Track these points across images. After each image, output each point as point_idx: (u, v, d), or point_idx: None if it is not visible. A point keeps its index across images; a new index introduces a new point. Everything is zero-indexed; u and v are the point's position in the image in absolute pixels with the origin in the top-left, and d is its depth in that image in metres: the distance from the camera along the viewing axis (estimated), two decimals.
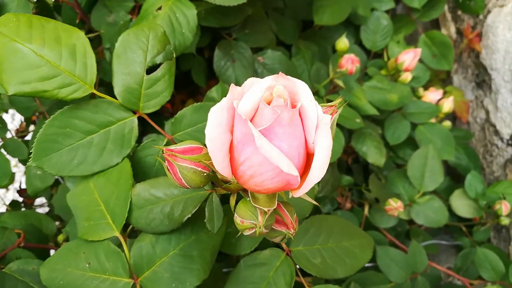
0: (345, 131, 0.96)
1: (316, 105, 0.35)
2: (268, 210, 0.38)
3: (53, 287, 0.50)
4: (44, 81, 0.49)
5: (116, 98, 0.54)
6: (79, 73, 0.50)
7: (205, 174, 0.39)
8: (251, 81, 0.36)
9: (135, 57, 0.53)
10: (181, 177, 0.38)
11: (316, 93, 0.96)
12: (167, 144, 0.56)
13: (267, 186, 0.36)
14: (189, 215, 0.49)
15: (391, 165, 1.05)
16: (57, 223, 1.11)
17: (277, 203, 0.41)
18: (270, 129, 0.34)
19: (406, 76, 1.02)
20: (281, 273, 0.53)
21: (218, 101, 0.79)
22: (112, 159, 0.54)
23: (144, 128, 0.77)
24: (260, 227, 0.38)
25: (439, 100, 1.11)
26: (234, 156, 0.36)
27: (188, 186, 0.39)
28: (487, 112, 1.12)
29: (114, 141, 0.54)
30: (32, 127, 1.07)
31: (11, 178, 1.06)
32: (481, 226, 1.06)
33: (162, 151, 0.55)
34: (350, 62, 0.86)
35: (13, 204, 1.14)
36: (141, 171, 0.57)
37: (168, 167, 0.38)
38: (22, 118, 1.06)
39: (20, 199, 1.20)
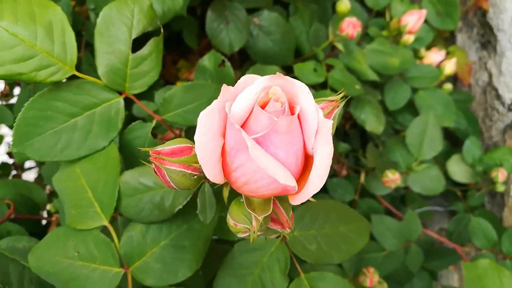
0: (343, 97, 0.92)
1: (317, 109, 0.32)
2: (263, 217, 0.35)
3: (43, 275, 0.49)
4: (19, 62, 0.45)
5: (100, 79, 0.50)
6: (58, 53, 0.46)
7: (195, 176, 0.36)
8: (245, 80, 0.33)
9: (119, 34, 0.49)
10: (169, 180, 0.36)
11: (314, 57, 0.92)
12: (156, 131, 0.53)
13: (262, 192, 0.34)
14: (180, 206, 0.47)
15: (389, 131, 1.03)
16: (48, 186, 1.10)
17: (272, 199, 0.39)
18: (265, 136, 0.31)
19: (408, 38, 0.97)
20: (276, 259, 0.52)
21: (210, 70, 0.75)
22: (98, 142, 0.51)
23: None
24: (254, 232, 0.36)
25: (442, 61, 1.06)
26: (227, 161, 0.33)
27: (177, 188, 0.36)
28: (490, 75, 1.08)
29: (100, 124, 0.51)
30: (17, 90, 1.02)
31: None
32: (476, 191, 1.06)
33: (152, 131, 0.52)
34: (351, 27, 0.81)
35: (3, 167, 1.12)
36: (130, 154, 0.54)
37: (155, 170, 0.36)
38: None
39: (11, 161, 1.18)
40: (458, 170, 1.03)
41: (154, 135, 0.59)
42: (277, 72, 0.32)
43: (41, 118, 0.49)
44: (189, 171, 0.36)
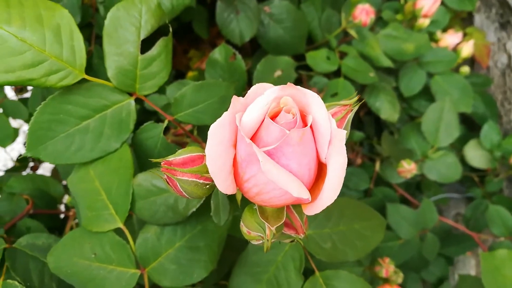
0: (357, 85, 0.91)
1: (330, 119, 0.31)
2: (276, 227, 0.35)
3: (62, 276, 0.50)
4: (29, 68, 0.45)
5: (110, 81, 0.50)
6: (67, 57, 0.46)
7: (207, 186, 0.36)
8: (255, 89, 0.32)
9: (127, 35, 0.48)
10: (181, 190, 0.35)
11: (327, 44, 0.90)
12: (169, 125, 0.52)
13: (274, 202, 0.33)
14: (194, 209, 0.47)
15: (405, 118, 1.01)
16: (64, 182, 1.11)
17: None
18: (277, 148, 0.30)
19: (424, 21, 0.94)
20: (290, 258, 0.52)
21: (221, 63, 0.74)
22: (110, 144, 0.51)
23: None
24: (268, 241, 0.36)
25: (458, 43, 1.03)
26: (239, 172, 0.33)
27: (189, 198, 0.36)
28: (509, 57, 1.05)
29: (112, 126, 0.51)
30: None
31: (14, 136, 1.04)
32: (494, 177, 1.04)
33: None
34: (364, 14, 0.78)
35: (21, 160, 1.13)
36: (142, 155, 0.54)
37: (168, 181, 0.35)
38: None
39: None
40: (475, 155, 1.01)
41: (166, 128, 0.59)
42: (288, 83, 0.31)
43: (54, 122, 0.49)
44: (201, 181, 0.35)
